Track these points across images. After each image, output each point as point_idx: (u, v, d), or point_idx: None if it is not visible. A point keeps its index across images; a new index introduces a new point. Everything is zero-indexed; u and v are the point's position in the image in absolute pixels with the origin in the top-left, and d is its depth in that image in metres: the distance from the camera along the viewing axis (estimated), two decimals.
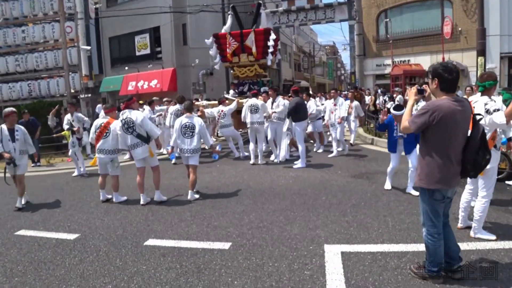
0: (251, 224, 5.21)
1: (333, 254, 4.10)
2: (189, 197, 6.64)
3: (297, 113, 8.82)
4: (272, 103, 9.31)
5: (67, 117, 10.24)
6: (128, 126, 6.43)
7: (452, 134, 3.18)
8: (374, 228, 4.80)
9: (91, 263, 4.31)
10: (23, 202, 7.03)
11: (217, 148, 7.57)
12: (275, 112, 9.11)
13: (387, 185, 6.72)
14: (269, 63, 14.23)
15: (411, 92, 3.51)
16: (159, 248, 4.59)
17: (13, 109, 7.06)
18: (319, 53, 51.02)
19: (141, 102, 11.75)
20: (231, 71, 15.27)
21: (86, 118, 10.97)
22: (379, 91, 16.80)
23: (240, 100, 11.69)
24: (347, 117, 10.56)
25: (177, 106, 10.10)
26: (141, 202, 6.52)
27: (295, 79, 39.06)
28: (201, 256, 4.28)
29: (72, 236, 5.23)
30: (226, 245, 4.51)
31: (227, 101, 11.20)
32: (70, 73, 15.15)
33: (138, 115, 6.51)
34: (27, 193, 7.27)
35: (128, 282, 3.80)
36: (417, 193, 5.63)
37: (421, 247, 4.04)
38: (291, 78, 37.83)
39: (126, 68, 23.63)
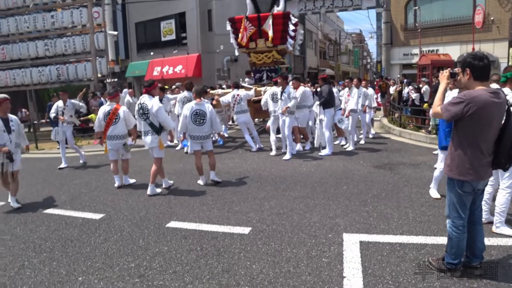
0: (272, 211, 5.27)
1: (351, 243, 4.13)
2: (211, 177, 6.81)
3: (327, 100, 8.80)
4: (281, 94, 8.48)
5: (58, 104, 9.33)
6: (143, 112, 6.26)
7: (486, 127, 3.11)
8: (394, 219, 4.79)
9: (115, 242, 4.47)
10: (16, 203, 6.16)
11: (222, 132, 7.68)
12: (288, 107, 8.34)
13: (434, 193, 5.65)
14: (290, 48, 13.45)
15: (443, 76, 3.42)
16: (181, 230, 4.72)
17: (6, 96, 6.15)
18: (345, 41, 50.29)
19: (166, 87, 11.89)
20: (248, 58, 14.25)
21: (81, 104, 10.71)
22: (405, 81, 16.49)
23: (258, 88, 11.36)
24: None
25: (185, 93, 9.73)
26: (163, 186, 6.65)
27: (320, 67, 38.72)
28: (221, 239, 4.38)
29: (97, 216, 5.42)
30: (246, 230, 4.59)
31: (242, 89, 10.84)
32: (97, 57, 15.44)
33: (154, 104, 6.24)
34: (56, 173, 7.51)
35: (150, 261, 3.93)
36: (436, 196, 5.54)
37: (441, 240, 4.06)
38: (316, 66, 37.51)
39: (152, 53, 23.90)
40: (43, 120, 14.23)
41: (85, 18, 15.31)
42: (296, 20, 14.10)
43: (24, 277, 3.78)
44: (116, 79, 17.16)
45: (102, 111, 6.97)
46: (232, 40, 13.77)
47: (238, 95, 9.89)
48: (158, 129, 6.25)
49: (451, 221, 3.35)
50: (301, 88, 9.51)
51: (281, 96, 8.47)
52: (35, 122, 15.17)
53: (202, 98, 6.87)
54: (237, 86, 10.88)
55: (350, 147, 9.51)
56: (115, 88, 8.23)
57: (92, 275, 3.71)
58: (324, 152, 8.91)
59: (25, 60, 16.62)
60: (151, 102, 6.23)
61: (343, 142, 10.20)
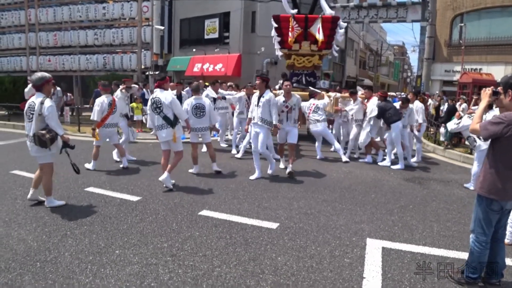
0: (300, 210, 5.47)
1: (374, 247, 4.26)
2: (213, 168, 7.59)
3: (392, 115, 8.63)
4: (259, 99, 7.13)
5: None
6: (156, 106, 6.27)
7: None
8: (419, 230, 4.88)
9: (150, 223, 4.78)
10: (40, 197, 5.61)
11: (216, 125, 8.67)
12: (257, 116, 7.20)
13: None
14: (335, 54, 12.99)
15: (486, 93, 3.41)
16: (212, 219, 4.99)
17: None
18: (387, 52, 49.72)
19: (206, 84, 12.24)
20: (286, 60, 13.22)
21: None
22: (444, 98, 16.27)
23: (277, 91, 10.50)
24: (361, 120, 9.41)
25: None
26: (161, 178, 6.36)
27: (358, 77, 38.45)
28: (250, 231, 4.61)
29: (134, 198, 5.77)
30: (274, 225, 4.81)
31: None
32: (143, 50, 15.98)
33: (167, 96, 6.29)
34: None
35: (182, 243, 4.21)
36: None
37: (462, 255, 4.12)
38: (355, 75, 37.29)
39: (194, 50, 24.46)
40: (87, 105, 14.90)
41: (134, 11, 15.86)
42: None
43: (66, 244, 4.13)
44: (158, 72, 17.70)
45: (104, 103, 7.59)
46: (274, 39, 12.83)
47: (314, 104, 9.19)
48: (172, 122, 6.31)
49: (475, 236, 3.42)
50: (374, 99, 9.14)
51: (258, 102, 7.11)
52: (79, 106, 15.87)
53: (199, 94, 7.65)
54: (312, 95, 9.83)
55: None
56: (108, 82, 8.44)
57: (128, 250, 4.02)
58: (395, 166, 8.74)
59: (74, 47, 17.38)
60: (164, 95, 6.27)
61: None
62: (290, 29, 11.99)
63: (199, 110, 7.35)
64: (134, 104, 13.32)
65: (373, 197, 6.31)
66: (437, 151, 11.30)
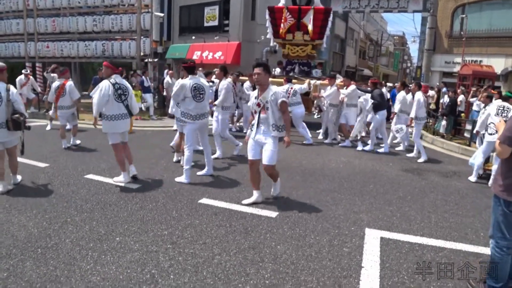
0: (299, 199, 5.51)
1: (372, 237, 4.30)
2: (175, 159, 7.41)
3: (380, 103, 9.28)
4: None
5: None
6: (122, 93, 5.89)
7: None
8: (417, 221, 4.92)
9: (150, 211, 4.81)
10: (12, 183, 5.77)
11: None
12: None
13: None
14: (324, 45, 13.50)
15: (501, 124, 3.31)
16: (212, 207, 5.02)
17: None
18: (387, 43, 49.49)
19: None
20: (282, 49, 14.14)
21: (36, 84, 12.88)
22: (444, 89, 16.21)
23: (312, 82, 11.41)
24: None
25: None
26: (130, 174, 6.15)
27: (358, 67, 38.33)
28: (249, 219, 4.64)
29: (134, 186, 5.80)
30: (273, 214, 4.84)
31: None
32: (142, 37, 15.86)
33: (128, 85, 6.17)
34: (95, 144, 7.92)
35: (182, 231, 4.24)
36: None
37: (460, 246, 4.20)
38: (354, 65, 37.17)
39: (193, 37, 24.26)
40: (85, 92, 14.83)
41: None
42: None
43: (67, 231, 4.16)
44: (157, 59, 17.59)
45: (53, 86, 8.55)
46: (269, 29, 13.67)
47: (292, 88, 9.97)
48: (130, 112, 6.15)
49: (495, 242, 3.22)
50: (351, 86, 9.72)
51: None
52: None
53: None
54: (290, 80, 10.66)
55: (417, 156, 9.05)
56: (63, 68, 9.23)
57: (128, 237, 4.04)
58: (367, 147, 9.45)
59: (73, 34, 17.22)
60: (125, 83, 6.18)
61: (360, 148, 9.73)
62: (283, 19, 12.76)
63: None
64: (133, 92, 13.24)
65: (372, 187, 6.34)
66: (435, 142, 11.33)
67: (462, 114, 11.56)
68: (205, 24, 24.71)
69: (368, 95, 9.61)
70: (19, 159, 6.80)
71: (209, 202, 5.19)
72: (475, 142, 8.99)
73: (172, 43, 26.28)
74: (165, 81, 14.57)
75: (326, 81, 10.91)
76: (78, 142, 8.73)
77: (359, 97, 9.93)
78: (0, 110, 5.22)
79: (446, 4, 21.95)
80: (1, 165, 5.42)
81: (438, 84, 19.86)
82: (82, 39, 17.06)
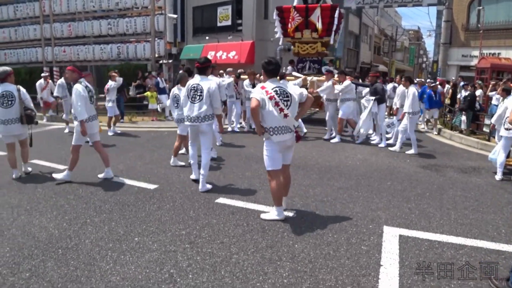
0: (316, 197, 5.48)
1: (391, 235, 4.25)
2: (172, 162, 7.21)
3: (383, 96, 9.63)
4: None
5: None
6: (92, 95, 6.18)
7: None
8: (436, 218, 4.84)
9: (168, 211, 4.85)
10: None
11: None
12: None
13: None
14: (331, 41, 13.48)
15: None
16: (229, 206, 5.03)
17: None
18: (402, 38, 48.83)
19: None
20: (292, 48, 14.45)
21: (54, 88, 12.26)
22: (461, 84, 15.91)
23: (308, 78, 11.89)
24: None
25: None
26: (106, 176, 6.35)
27: (373, 63, 37.96)
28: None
29: (151, 186, 5.84)
30: (290, 213, 4.82)
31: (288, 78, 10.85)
32: (156, 39, 16.01)
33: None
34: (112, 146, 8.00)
35: (200, 231, 4.26)
36: None
37: (480, 243, 4.12)
38: (369, 61, 36.84)
39: (207, 38, 24.35)
40: (102, 95, 15.02)
41: (147, 0, 15.89)
42: (340, 14, 14.08)
43: (86, 232, 4.22)
44: (171, 60, 17.73)
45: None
46: (277, 29, 13.95)
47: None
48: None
49: None
50: (346, 82, 9.81)
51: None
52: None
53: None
54: (282, 77, 10.87)
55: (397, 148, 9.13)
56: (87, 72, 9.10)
57: (147, 237, 4.08)
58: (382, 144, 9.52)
59: (88, 38, 17.51)
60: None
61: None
62: (290, 19, 13.09)
63: (177, 100, 6.96)
64: (148, 93, 13.40)
65: (389, 184, 6.27)
66: (454, 138, 11.14)
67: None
68: (218, 24, 24.77)
69: (366, 90, 10.06)
70: (39, 162, 6.96)
71: (226, 201, 5.21)
72: (494, 137, 8.81)
73: (186, 44, 26.42)
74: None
75: (323, 77, 11.17)
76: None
77: (363, 96, 10.27)
78: (14, 107, 6.10)
79: None
80: (13, 155, 6.29)
81: (453, 78, 19.51)
82: (97, 42, 17.33)
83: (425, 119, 13.23)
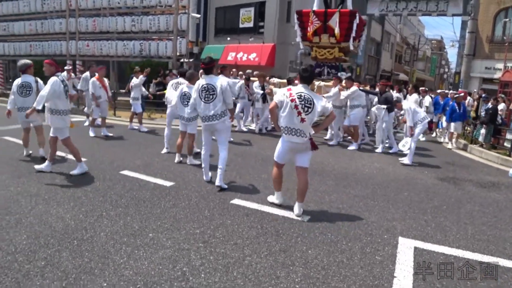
0: (331, 204, 5.44)
1: (406, 247, 4.19)
2: (189, 161, 7.26)
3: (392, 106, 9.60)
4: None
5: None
6: (67, 90, 6.41)
7: None
8: (453, 232, 4.76)
9: (183, 209, 4.87)
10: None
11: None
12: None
13: None
14: (351, 47, 13.34)
15: None
16: (244, 208, 5.03)
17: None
18: (424, 47, 48.24)
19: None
20: (310, 52, 14.47)
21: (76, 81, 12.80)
22: (482, 96, 15.63)
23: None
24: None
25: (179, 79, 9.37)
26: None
27: (394, 71, 37.59)
28: (281, 222, 4.63)
29: (167, 184, 5.88)
30: (305, 218, 4.79)
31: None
32: (178, 37, 16.15)
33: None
34: (131, 141, 8.08)
35: (214, 230, 4.27)
36: None
37: (498, 261, 4.01)
38: (390, 69, 36.48)
39: (228, 38, 24.47)
40: (123, 90, 15.22)
41: None
42: (363, 21, 14.17)
43: (102, 225, 4.27)
44: (192, 59, 17.86)
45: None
46: (298, 33, 13.99)
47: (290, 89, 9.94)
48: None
49: None
50: (353, 88, 9.81)
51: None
52: (115, 91, 16.24)
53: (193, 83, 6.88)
54: (289, 81, 11.41)
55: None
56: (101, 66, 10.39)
57: (161, 234, 4.11)
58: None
59: (112, 33, 17.79)
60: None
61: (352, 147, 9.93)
62: (309, 23, 13.11)
63: (187, 98, 6.77)
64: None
65: (406, 195, 6.19)
66: (473, 151, 10.95)
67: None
68: (240, 26, 24.86)
69: (374, 97, 10.17)
70: (59, 153, 7.08)
71: (241, 203, 5.21)
72: None
73: (208, 44, 26.58)
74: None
75: (330, 83, 11.19)
76: (110, 134, 9.69)
77: (372, 103, 10.34)
78: (31, 97, 6.60)
79: (488, 7, 21.22)
80: (27, 137, 7.08)
81: (475, 90, 19.16)
82: (120, 38, 17.57)
83: (447, 132, 12.48)
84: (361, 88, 10.34)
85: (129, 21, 17.14)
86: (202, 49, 26.06)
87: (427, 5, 21.93)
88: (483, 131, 11.00)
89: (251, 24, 24.35)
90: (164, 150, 8.07)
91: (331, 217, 4.92)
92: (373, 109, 10.26)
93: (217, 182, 5.77)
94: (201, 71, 6.32)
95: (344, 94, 9.81)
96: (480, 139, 11.07)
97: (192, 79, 7.01)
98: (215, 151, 6.21)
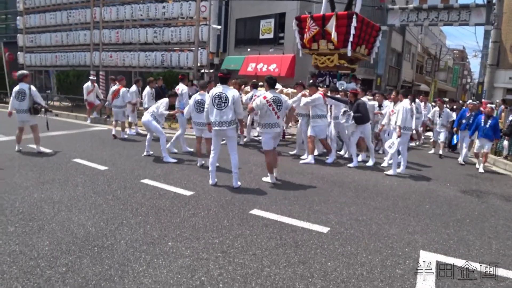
0: (351, 216, 5.38)
1: (427, 261, 4.10)
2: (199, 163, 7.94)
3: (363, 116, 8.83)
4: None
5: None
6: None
7: None
8: (476, 246, 4.64)
9: (202, 219, 4.89)
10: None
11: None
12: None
13: None
14: (349, 53, 11.80)
15: None
16: (263, 218, 5.02)
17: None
18: (446, 57, 47.52)
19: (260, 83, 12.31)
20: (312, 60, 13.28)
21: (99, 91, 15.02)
22: (500, 107, 15.28)
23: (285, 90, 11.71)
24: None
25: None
26: None
27: (415, 81, 37.13)
28: (300, 233, 4.59)
29: (187, 193, 5.93)
30: (324, 229, 4.75)
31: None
32: (199, 48, 16.35)
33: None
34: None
35: (233, 241, 4.27)
36: None
37: None
38: (411, 79, 36.04)
39: (248, 49, 24.65)
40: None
41: (192, 10, 16.24)
42: (377, 27, 13.41)
43: (122, 233, 4.32)
44: (213, 70, 18.02)
45: (111, 90, 11.16)
46: (297, 40, 13.22)
47: (256, 95, 8.95)
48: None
49: None
50: (315, 95, 8.78)
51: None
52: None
53: (205, 90, 7.52)
54: (255, 86, 10.76)
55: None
56: (120, 76, 11.67)
57: (180, 243, 4.13)
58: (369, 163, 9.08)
59: (134, 45, 18.12)
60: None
61: (361, 158, 9.40)
62: (306, 28, 12.28)
63: (200, 105, 7.35)
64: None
65: (428, 207, 6.08)
66: (497, 163, 10.70)
67: None
68: (261, 37, 25.02)
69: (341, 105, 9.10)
70: (81, 161, 7.22)
71: (260, 213, 5.20)
72: None
73: (228, 55, 26.83)
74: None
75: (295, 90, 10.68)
76: (125, 136, 11.06)
77: (346, 111, 8.92)
78: (26, 101, 8.26)
79: None
80: (20, 135, 8.44)
81: (498, 101, 18.61)
82: (143, 49, 17.89)
83: (473, 150, 10.68)
84: (328, 95, 9.19)
85: (151, 32, 17.45)
86: (222, 60, 26.32)
87: (448, 15, 21.64)
88: (506, 143, 10.73)
89: (271, 35, 24.48)
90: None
91: (350, 229, 4.87)
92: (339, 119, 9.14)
93: (234, 184, 6.44)
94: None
95: (303, 100, 8.85)
96: (505, 152, 10.80)
97: (204, 88, 7.67)
98: (224, 155, 6.52)
